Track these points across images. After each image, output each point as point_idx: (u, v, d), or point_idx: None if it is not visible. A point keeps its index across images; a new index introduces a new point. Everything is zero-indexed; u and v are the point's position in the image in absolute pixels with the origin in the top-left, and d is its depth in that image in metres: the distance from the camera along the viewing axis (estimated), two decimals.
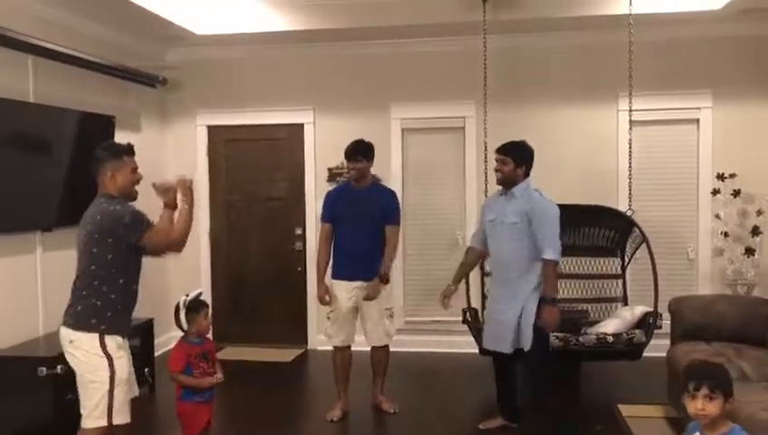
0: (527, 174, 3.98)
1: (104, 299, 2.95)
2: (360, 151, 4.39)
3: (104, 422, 2.90)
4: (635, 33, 4.84)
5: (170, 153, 6.39)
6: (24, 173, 4.29)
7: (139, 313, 4.22)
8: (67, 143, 4.63)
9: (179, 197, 3.20)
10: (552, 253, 3.79)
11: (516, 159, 3.93)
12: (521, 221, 3.85)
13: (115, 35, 5.42)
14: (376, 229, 4.37)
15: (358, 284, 4.34)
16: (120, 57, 5.38)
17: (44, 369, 3.92)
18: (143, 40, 5.83)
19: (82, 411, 2.93)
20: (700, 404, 2.16)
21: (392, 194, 4.58)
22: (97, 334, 2.92)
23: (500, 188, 4.08)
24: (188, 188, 3.21)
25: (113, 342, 2.95)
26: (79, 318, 2.95)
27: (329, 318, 4.44)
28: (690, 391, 2.19)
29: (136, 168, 3.14)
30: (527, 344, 3.79)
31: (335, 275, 4.43)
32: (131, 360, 3.20)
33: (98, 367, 2.91)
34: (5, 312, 4.26)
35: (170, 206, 3.21)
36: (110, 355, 2.92)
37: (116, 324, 2.98)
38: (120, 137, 5.17)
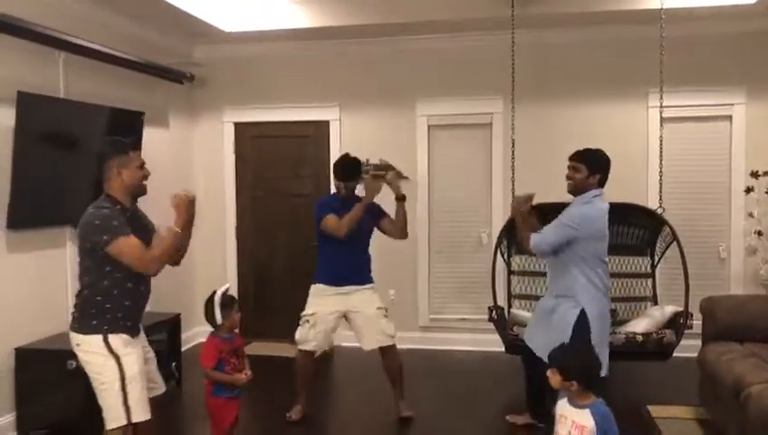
0: (601, 184, 3.82)
1: (101, 304, 2.90)
2: (356, 173, 4.42)
3: (124, 421, 2.88)
4: (666, 27, 4.75)
5: (197, 150, 6.44)
6: (54, 169, 4.34)
7: (166, 308, 4.28)
8: (96, 139, 4.66)
9: (176, 216, 2.96)
10: (535, 239, 3.75)
11: (590, 167, 3.77)
12: None
13: (144, 32, 5.47)
14: (365, 237, 4.40)
15: (346, 289, 4.29)
16: (149, 54, 5.42)
17: (74, 362, 3.93)
18: (172, 37, 5.87)
19: (103, 414, 2.91)
20: (557, 379, 2.58)
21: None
22: (100, 335, 2.89)
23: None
24: (183, 206, 2.95)
25: (118, 340, 2.91)
26: (81, 321, 2.93)
27: (308, 321, 4.27)
28: (550, 366, 2.62)
29: (143, 163, 3.05)
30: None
31: (321, 280, 4.34)
32: (154, 357, 3.21)
33: (105, 367, 2.88)
34: (36, 305, 4.32)
35: (177, 223, 2.96)
36: (116, 354, 2.89)
37: (119, 324, 2.93)
38: (149, 133, 5.23)
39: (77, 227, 2.96)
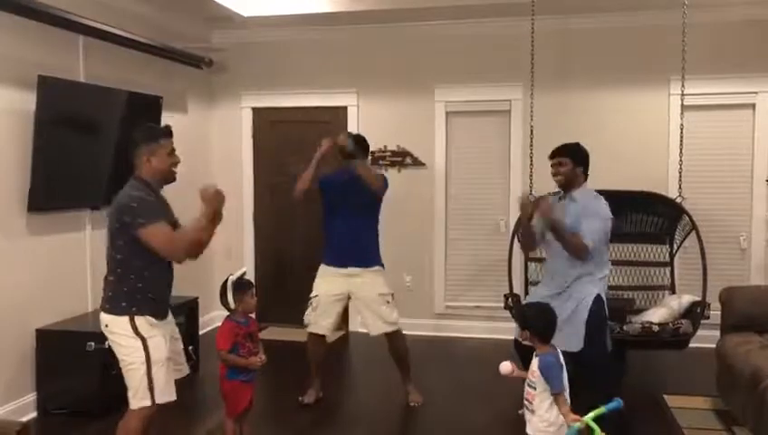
0: (586, 176, 3.93)
1: (131, 285, 2.94)
2: (363, 151, 4.35)
3: (148, 402, 2.93)
4: (689, 13, 4.67)
5: (216, 135, 6.47)
6: (74, 152, 4.38)
7: (184, 292, 4.31)
8: (115, 123, 4.70)
9: (203, 207, 2.96)
10: (588, 239, 3.75)
11: (574, 159, 3.87)
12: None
13: (163, 17, 5.48)
14: (368, 216, 4.31)
15: (349, 270, 4.25)
16: (168, 38, 5.44)
17: (93, 344, 4.03)
18: (190, 21, 5.88)
19: (128, 393, 2.96)
20: (524, 336, 3.09)
21: (381, 175, 4.51)
22: (127, 317, 2.92)
23: (555, 191, 4.02)
24: (211, 199, 2.97)
25: (145, 322, 2.94)
26: (110, 302, 2.96)
27: (311, 304, 4.30)
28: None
29: (173, 150, 3.07)
30: (580, 344, 3.72)
31: (325, 260, 4.34)
32: (180, 340, 3.25)
33: (133, 348, 2.92)
34: (56, 287, 4.38)
35: (205, 215, 2.96)
36: (142, 336, 2.92)
37: (147, 306, 2.96)
38: (167, 118, 5.24)
39: (110, 206, 2.98)
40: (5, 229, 4.01)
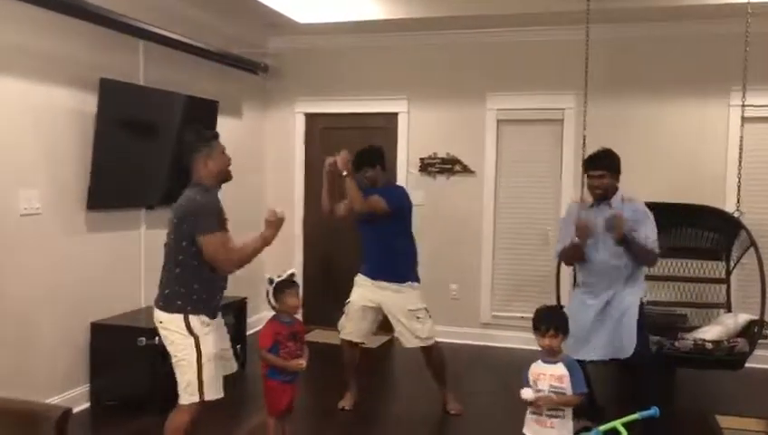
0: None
1: (188, 286, 3.01)
2: (367, 162, 4.27)
3: (197, 398, 3.01)
4: (752, 22, 4.53)
5: (269, 139, 6.58)
6: (132, 153, 4.52)
7: (233, 292, 4.38)
8: (172, 126, 4.83)
9: (266, 230, 3.09)
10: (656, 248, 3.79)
11: (611, 171, 3.85)
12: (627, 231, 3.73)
13: (220, 22, 5.61)
14: (394, 229, 4.24)
15: (378, 283, 4.24)
16: (224, 44, 5.57)
17: (144, 339, 4.14)
18: (247, 27, 6.01)
19: (179, 388, 3.04)
20: (547, 341, 2.96)
21: (400, 188, 4.54)
22: (182, 315, 3.00)
23: (577, 200, 4.06)
24: (273, 223, 3.09)
25: (198, 321, 3.01)
26: (166, 301, 3.04)
27: (344, 311, 4.35)
28: (541, 331, 2.99)
29: (224, 149, 3.16)
30: (631, 349, 3.69)
31: (360, 270, 4.38)
32: (228, 337, 3.31)
33: (185, 346, 3.00)
34: (111, 283, 4.53)
35: (265, 237, 3.09)
36: (195, 334, 3.00)
37: (201, 306, 3.03)
38: (222, 122, 5.37)
39: (174, 211, 3.04)
40: (65, 226, 4.17)
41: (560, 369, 2.90)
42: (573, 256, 4.01)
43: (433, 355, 4.35)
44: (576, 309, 3.86)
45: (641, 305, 3.82)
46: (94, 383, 4.33)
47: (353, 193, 4.08)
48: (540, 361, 3.00)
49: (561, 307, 4.64)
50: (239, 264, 3.05)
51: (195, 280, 3.02)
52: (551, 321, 3.01)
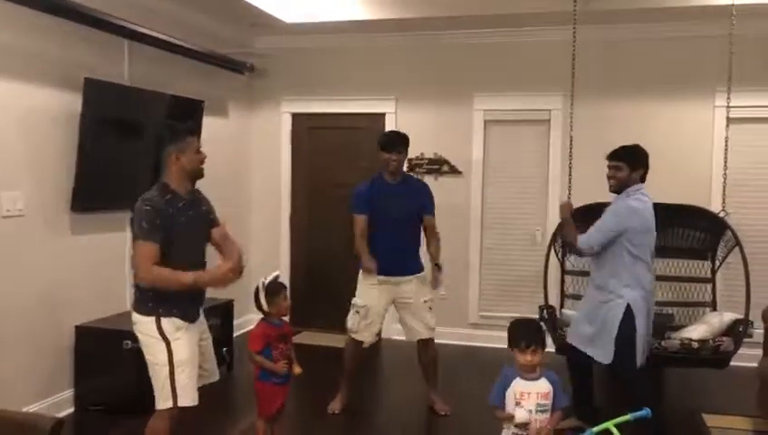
0: (644, 178, 3.84)
1: (157, 287, 2.93)
2: (401, 142, 4.27)
3: (170, 403, 2.94)
4: (736, 24, 4.57)
5: (255, 139, 6.54)
6: (117, 154, 4.47)
7: (219, 294, 4.35)
8: (158, 126, 4.75)
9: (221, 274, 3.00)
10: (582, 239, 3.78)
11: (631, 164, 3.79)
12: None
13: (206, 22, 5.57)
14: (413, 224, 4.30)
15: (395, 279, 4.23)
16: (210, 43, 5.53)
17: (129, 342, 4.08)
18: (233, 27, 5.97)
19: (154, 393, 2.99)
20: (529, 357, 2.76)
21: (426, 186, 4.51)
22: (153, 317, 2.95)
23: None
24: (231, 279, 3.02)
25: (171, 325, 2.96)
26: (139, 302, 3.00)
27: (358, 312, 4.25)
28: (521, 347, 2.78)
29: (200, 147, 3.10)
30: (609, 357, 3.73)
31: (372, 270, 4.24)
32: (210, 342, 3.25)
33: (156, 349, 2.94)
34: (96, 285, 4.47)
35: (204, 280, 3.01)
36: (166, 338, 2.94)
37: (174, 309, 2.97)
38: (208, 122, 5.33)
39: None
40: (49, 228, 4.11)
41: (545, 385, 2.77)
42: (569, 240, 4.10)
43: (433, 347, 4.38)
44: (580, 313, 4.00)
45: (632, 316, 3.71)
46: (79, 388, 4.28)
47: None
48: (519, 378, 2.79)
49: (552, 308, 4.69)
50: (152, 282, 2.91)
51: None
52: (531, 336, 2.80)
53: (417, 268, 4.33)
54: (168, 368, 2.93)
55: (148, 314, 2.97)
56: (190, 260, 3.01)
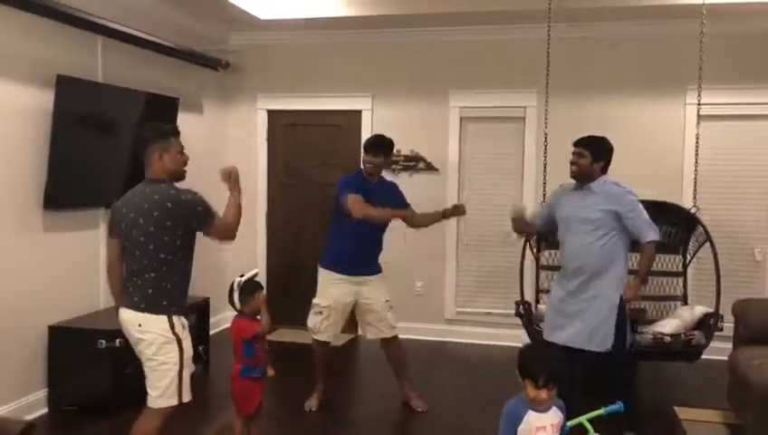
0: (604, 170, 3.88)
1: (172, 282, 2.97)
2: (383, 147, 4.30)
3: (175, 401, 2.96)
4: (707, 23, 4.65)
5: (230, 136, 6.50)
6: (90, 151, 4.42)
7: (196, 291, 4.34)
8: (132, 123, 4.73)
9: (227, 186, 3.19)
10: (654, 234, 3.81)
11: (594, 154, 3.82)
12: (603, 217, 3.75)
13: (180, 18, 5.52)
14: (382, 227, 4.33)
15: (357, 279, 4.25)
16: (185, 40, 5.48)
17: (104, 341, 4.06)
18: (208, 23, 5.92)
19: (152, 392, 2.96)
20: (545, 395, 2.46)
21: (395, 184, 4.60)
22: (166, 316, 2.94)
23: (571, 182, 3.96)
24: (230, 177, 3.19)
25: (180, 323, 2.98)
26: (150, 301, 2.94)
27: (320, 313, 4.26)
28: (538, 384, 2.45)
29: (182, 148, 3.11)
30: (609, 344, 3.73)
31: (330, 265, 4.28)
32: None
33: (169, 349, 2.93)
34: (69, 284, 4.42)
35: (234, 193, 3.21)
36: (178, 336, 2.95)
37: (181, 305, 3.02)
38: (183, 118, 5.29)
39: (149, 210, 2.93)
40: (21, 226, 4.05)
41: (556, 415, 2.55)
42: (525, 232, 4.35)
43: (398, 346, 4.41)
44: (553, 300, 4.01)
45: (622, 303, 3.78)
46: (52, 388, 4.23)
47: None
48: (530, 411, 2.52)
49: (528, 304, 4.72)
50: (236, 225, 3.15)
51: (180, 277, 3.02)
52: (550, 374, 2.48)
53: (378, 269, 4.37)
54: (178, 366, 2.95)
55: (161, 312, 2.94)
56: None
